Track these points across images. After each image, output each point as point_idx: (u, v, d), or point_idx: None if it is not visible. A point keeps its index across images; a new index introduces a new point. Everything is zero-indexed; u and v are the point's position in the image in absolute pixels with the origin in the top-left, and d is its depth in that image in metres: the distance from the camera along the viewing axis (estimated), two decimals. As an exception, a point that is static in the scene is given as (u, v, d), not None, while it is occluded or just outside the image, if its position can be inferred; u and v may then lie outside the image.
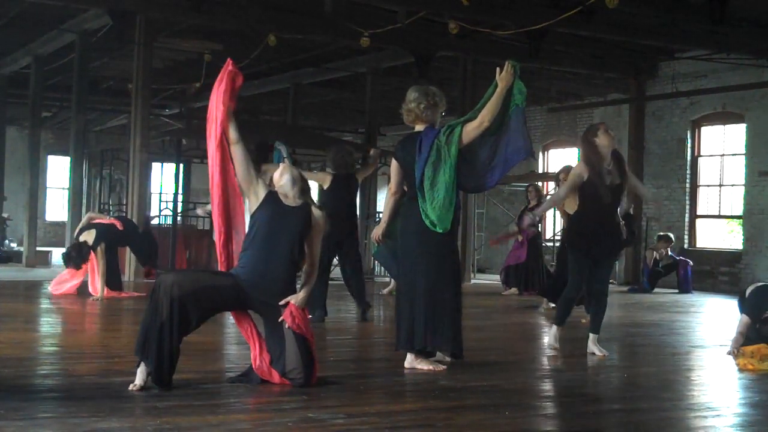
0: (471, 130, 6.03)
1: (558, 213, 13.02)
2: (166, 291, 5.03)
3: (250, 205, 5.49)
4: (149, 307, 5.07)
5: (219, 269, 5.51)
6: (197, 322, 5.17)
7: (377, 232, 6.86)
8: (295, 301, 5.26)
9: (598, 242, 6.99)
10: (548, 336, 7.18)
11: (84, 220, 10.94)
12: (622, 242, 7.32)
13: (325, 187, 9.16)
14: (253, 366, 5.35)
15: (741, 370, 6.67)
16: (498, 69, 6.05)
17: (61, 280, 10.95)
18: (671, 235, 15.67)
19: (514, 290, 13.46)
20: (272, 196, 5.42)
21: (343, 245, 9.03)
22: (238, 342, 6.33)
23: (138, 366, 5.05)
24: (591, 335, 7.18)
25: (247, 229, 5.43)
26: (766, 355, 6.90)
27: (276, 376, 5.27)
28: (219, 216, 5.43)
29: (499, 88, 6.01)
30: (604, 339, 7.36)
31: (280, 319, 5.22)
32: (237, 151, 5.41)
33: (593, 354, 7.07)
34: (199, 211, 12.32)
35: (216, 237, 5.49)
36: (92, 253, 10.42)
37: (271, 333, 5.30)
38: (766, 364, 6.76)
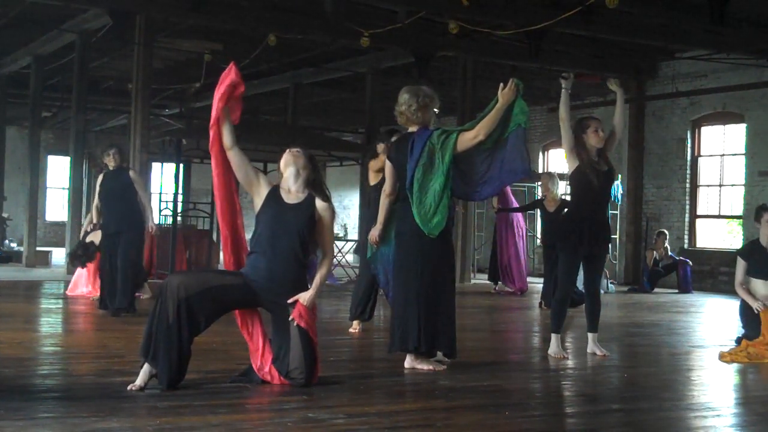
0: (466, 140, 6.03)
1: (538, 214, 13.05)
2: (172, 293, 5.01)
3: (255, 205, 5.47)
4: (155, 310, 5.05)
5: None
6: (206, 323, 5.15)
7: (374, 234, 6.85)
8: (303, 299, 5.24)
9: (587, 239, 6.96)
10: (550, 347, 7.04)
11: (86, 220, 10.80)
12: (610, 239, 7.27)
13: None
14: (254, 366, 5.34)
15: (729, 361, 6.87)
16: (501, 84, 6.03)
17: (76, 283, 11.06)
18: (664, 231, 15.77)
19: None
20: (273, 194, 5.37)
21: None
22: (238, 342, 6.32)
23: (142, 366, 5.04)
24: (590, 335, 7.17)
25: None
26: (756, 354, 6.96)
27: (276, 377, 5.26)
28: (222, 222, 5.40)
29: (499, 104, 5.99)
30: (604, 339, 7.36)
31: (290, 318, 5.21)
32: (233, 156, 5.37)
33: (594, 354, 7.07)
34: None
35: (222, 242, 5.48)
36: (98, 253, 10.43)
37: (278, 331, 5.29)
38: (753, 360, 6.92)
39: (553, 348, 7.03)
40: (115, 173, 9.37)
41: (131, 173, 9.48)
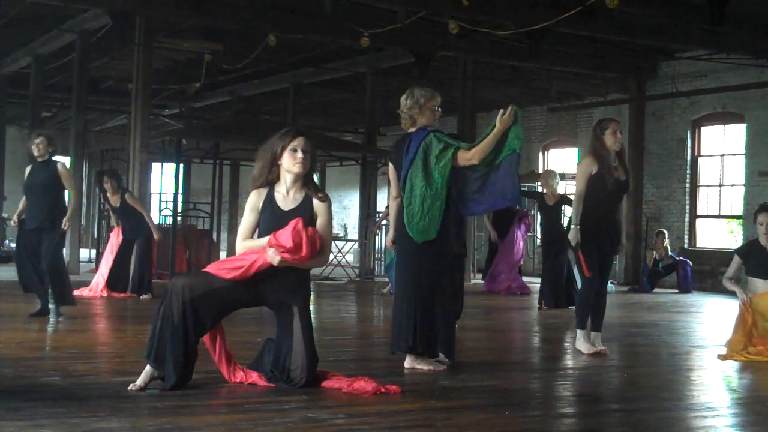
0: (463, 159, 6.04)
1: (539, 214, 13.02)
2: (177, 295, 5.00)
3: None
4: (159, 312, 5.03)
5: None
6: (212, 323, 5.15)
7: (389, 238, 6.88)
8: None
9: (602, 234, 7.03)
10: (578, 344, 7.10)
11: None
12: (619, 240, 7.31)
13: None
14: (223, 367, 5.34)
15: (727, 358, 6.97)
16: (501, 111, 6.03)
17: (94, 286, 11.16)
18: (663, 230, 15.81)
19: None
20: (270, 201, 5.30)
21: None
22: (239, 342, 6.33)
23: (145, 367, 5.05)
24: (593, 334, 7.19)
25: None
26: (757, 352, 7.02)
27: (240, 375, 5.27)
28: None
29: (496, 130, 6.00)
30: (604, 339, 7.36)
31: (270, 252, 5.09)
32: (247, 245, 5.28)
33: (594, 350, 7.08)
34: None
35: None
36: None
37: (281, 330, 5.27)
38: (753, 357, 6.98)
39: (582, 344, 7.09)
40: (42, 165, 8.79)
41: (58, 165, 8.76)
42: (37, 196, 8.76)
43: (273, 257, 5.08)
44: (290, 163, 5.26)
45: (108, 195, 11.42)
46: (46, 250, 8.60)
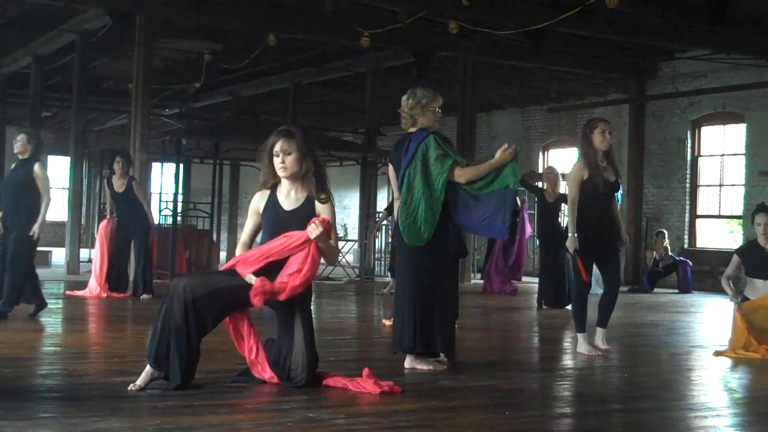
0: (455, 174, 6.04)
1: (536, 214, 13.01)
2: (178, 295, 4.99)
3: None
4: (161, 313, 5.03)
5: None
6: (213, 323, 5.15)
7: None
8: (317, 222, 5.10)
9: (598, 237, 7.03)
10: (579, 347, 7.11)
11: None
12: (620, 236, 7.30)
13: None
14: (248, 358, 5.33)
15: (722, 355, 7.07)
16: (506, 145, 6.04)
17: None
18: (663, 230, 15.83)
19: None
20: (272, 201, 5.30)
21: None
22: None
23: (145, 367, 5.04)
24: (599, 329, 7.22)
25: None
26: (755, 349, 7.05)
27: (268, 373, 5.26)
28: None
29: (493, 161, 6.02)
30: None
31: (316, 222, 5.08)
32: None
33: (597, 348, 7.09)
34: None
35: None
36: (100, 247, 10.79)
37: (282, 330, 5.28)
38: (750, 354, 7.06)
39: (583, 347, 7.10)
40: (22, 163, 8.46)
41: (36, 165, 8.39)
42: (10, 196, 8.49)
43: (314, 230, 5.05)
44: (276, 168, 5.28)
45: (114, 178, 11.15)
46: (12, 251, 8.35)
